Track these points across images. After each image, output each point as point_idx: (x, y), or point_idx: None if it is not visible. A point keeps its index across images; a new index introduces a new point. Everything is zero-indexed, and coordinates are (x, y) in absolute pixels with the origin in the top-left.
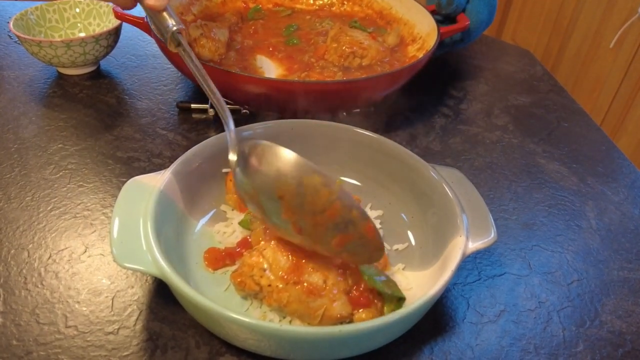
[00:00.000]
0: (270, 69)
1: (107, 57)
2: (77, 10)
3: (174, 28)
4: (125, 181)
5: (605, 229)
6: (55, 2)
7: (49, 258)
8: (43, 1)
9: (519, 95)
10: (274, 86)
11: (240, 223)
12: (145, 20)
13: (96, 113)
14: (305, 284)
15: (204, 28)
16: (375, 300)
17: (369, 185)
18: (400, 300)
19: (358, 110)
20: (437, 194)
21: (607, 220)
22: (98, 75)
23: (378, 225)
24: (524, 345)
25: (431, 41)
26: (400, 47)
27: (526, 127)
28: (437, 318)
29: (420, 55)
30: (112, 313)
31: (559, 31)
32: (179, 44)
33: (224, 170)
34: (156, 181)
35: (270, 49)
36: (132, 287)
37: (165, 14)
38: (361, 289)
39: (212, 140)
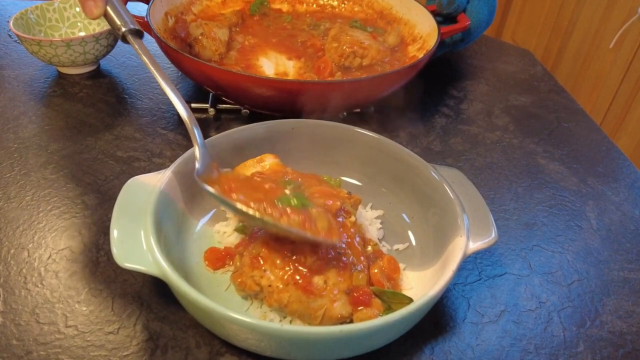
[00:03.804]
0: (272, 60)
1: (107, 56)
2: (78, 9)
3: (123, 29)
4: (126, 181)
5: (605, 229)
6: (55, 1)
7: (49, 257)
8: (43, 0)
9: (520, 96)
10: (274, 86)
11: (236, 229)
12: (145, 19)
13: (96, 112)
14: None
15: (204, 27)
16: (375, 300)
17: (369, 185)
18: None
19: (358, 110)
20: (438, 194)
21: (607, 221)
22: (98, 75)
23: (378, 226)
24: (524, 346)
25: (431, 41)
26: (401, 47)
27: (526, 127)
28: (437, 318)
29: (421, 55)
30: (112, 313)
31: (559, 31)
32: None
33: (225, 169)
34: (156, 181)
35: (274, 40)
36: (132, 286)
37: (112, 14)
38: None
39: (213, 139)
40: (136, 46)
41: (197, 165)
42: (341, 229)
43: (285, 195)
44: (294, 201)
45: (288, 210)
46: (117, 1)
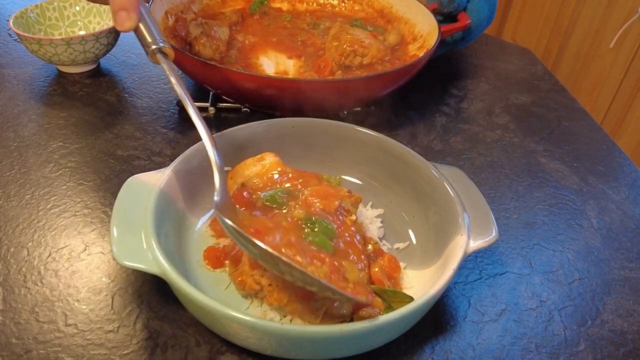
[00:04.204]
0: (273, 59)
1: (107, 55)
2: (77, 8)
3: (153, 47)
4: (126, 179)
5: (606, 228)
6: (55, 0)
7: (48, 256)
8: None
9: (520, 94)
10: (275, 84)
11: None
12: None
13: (96, 111)
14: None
15: (204, 26)
16: (376, 299)
17: (369, 184)
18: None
19: (359, 108)
20: (438, 192)
21: (608, 220)
22: (98, 74)
23: (379, 224)
24: (525, 344)
25: (432, 40)
26: (401, 46)
27: (527, 126)
28: (438, 317)
29: (421, 54)
30: (112, 311)
31: (559, 31)
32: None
33: (225, 168)
34: (156, 179)
35: (274, 39)
36: (132, 285)
37: (143, 29)
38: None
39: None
40: (165, 66)
41: (215, 197)
42: (362, 257)
43: (310, 230)
44: (323, 240)
45: (321, 255)
46: (149, 16)
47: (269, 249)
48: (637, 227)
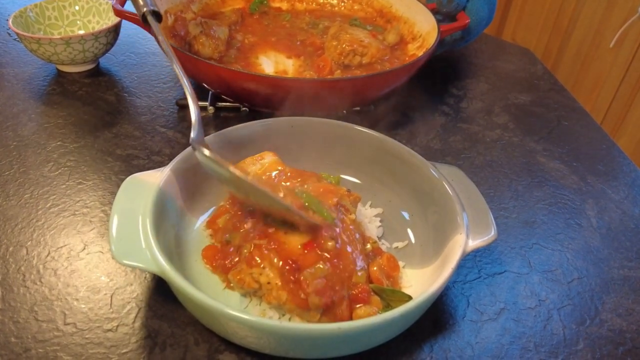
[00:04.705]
0: (272, 59)
1: (107, 54)
2: (77, 7)
3: (145, 9)
4: (125, 178)
5: (605, 228)
6: None
7: (47, 255)
8: None
9: (520, 94)
10: (274, 83)
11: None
12: None
13: (95, 110)
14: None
15: (203, 26)
16: (375, 298)
17: (368, 183)
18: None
19: (358, 108)
20: (437, 191)
21: (607, 219)
22: (97, 73)
23: (378, 224)
24: (524, 344)
25: (431, 39)
26: (401, 46)
27: (526, 125)
28: (437, 316)
29: (420, 53)
30: (111, 310)
31: (559, 31)
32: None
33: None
34: (155, 178)
35: (273, 39)
36: (131, 284)
37: None
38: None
39: (211, 137)
40: (154, 27)
41: (192, 133)
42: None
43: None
44: (320, 208)
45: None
46: None
47: (236, 172)
48: (636, 226)
